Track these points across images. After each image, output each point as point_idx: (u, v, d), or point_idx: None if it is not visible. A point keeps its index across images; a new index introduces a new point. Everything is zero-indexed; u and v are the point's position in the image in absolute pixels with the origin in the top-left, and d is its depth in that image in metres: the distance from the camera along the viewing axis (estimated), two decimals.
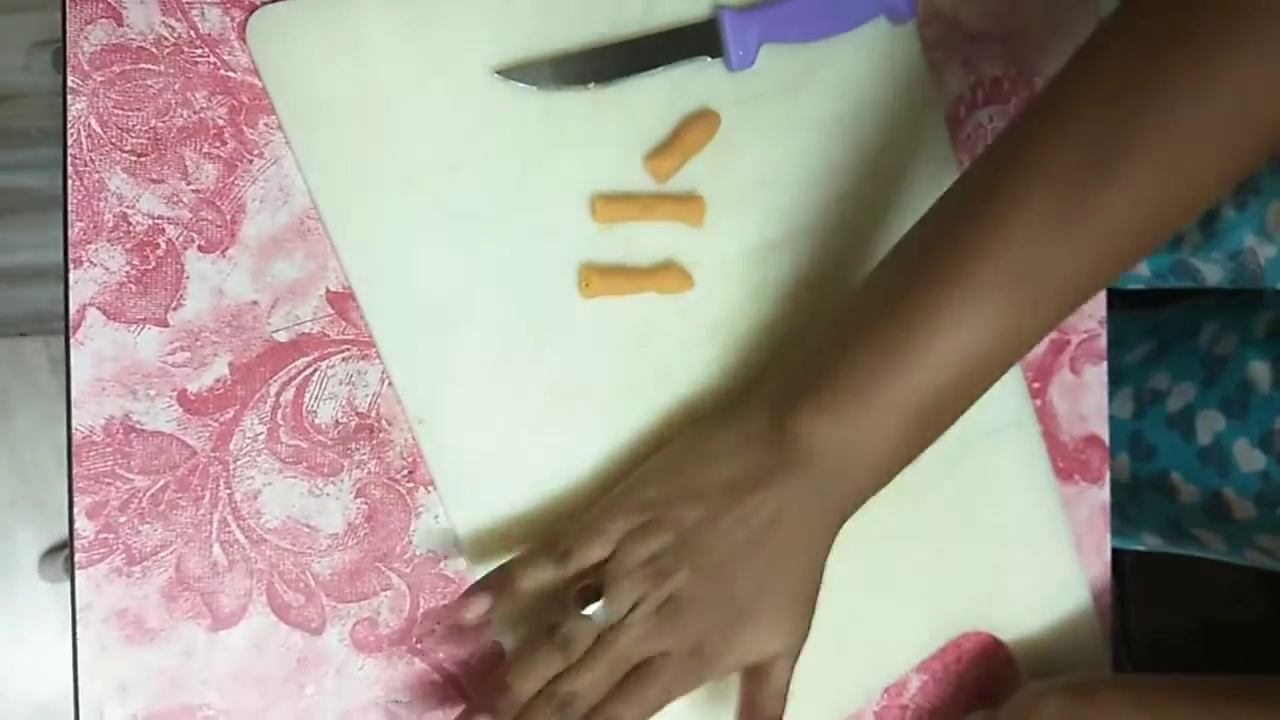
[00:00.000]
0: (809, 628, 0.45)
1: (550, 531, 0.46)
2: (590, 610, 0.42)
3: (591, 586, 0.42)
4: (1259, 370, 0.63)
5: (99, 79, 0.45)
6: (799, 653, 0.45)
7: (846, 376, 0.42)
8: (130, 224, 0.45)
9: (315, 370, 0.47)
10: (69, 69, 0.44)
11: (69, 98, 0.44)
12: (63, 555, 1.22)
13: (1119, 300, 0.64)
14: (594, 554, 0.43)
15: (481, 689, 0.46)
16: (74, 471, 0.45)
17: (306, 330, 0.47)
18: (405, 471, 0.48)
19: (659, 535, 0.43)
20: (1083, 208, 0.39)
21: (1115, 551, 0.59)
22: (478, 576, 0.48)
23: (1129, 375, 0.72)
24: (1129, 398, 0.71)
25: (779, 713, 0.45)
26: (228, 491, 0.46)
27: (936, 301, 0.41)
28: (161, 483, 0.46)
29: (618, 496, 0.45)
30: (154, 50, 0.45)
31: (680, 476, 0.44)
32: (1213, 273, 0.68)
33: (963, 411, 0.43)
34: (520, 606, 0.44)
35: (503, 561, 0.45)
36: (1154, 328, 0.74)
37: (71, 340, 0.45)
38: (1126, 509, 0.71)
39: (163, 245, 0.46)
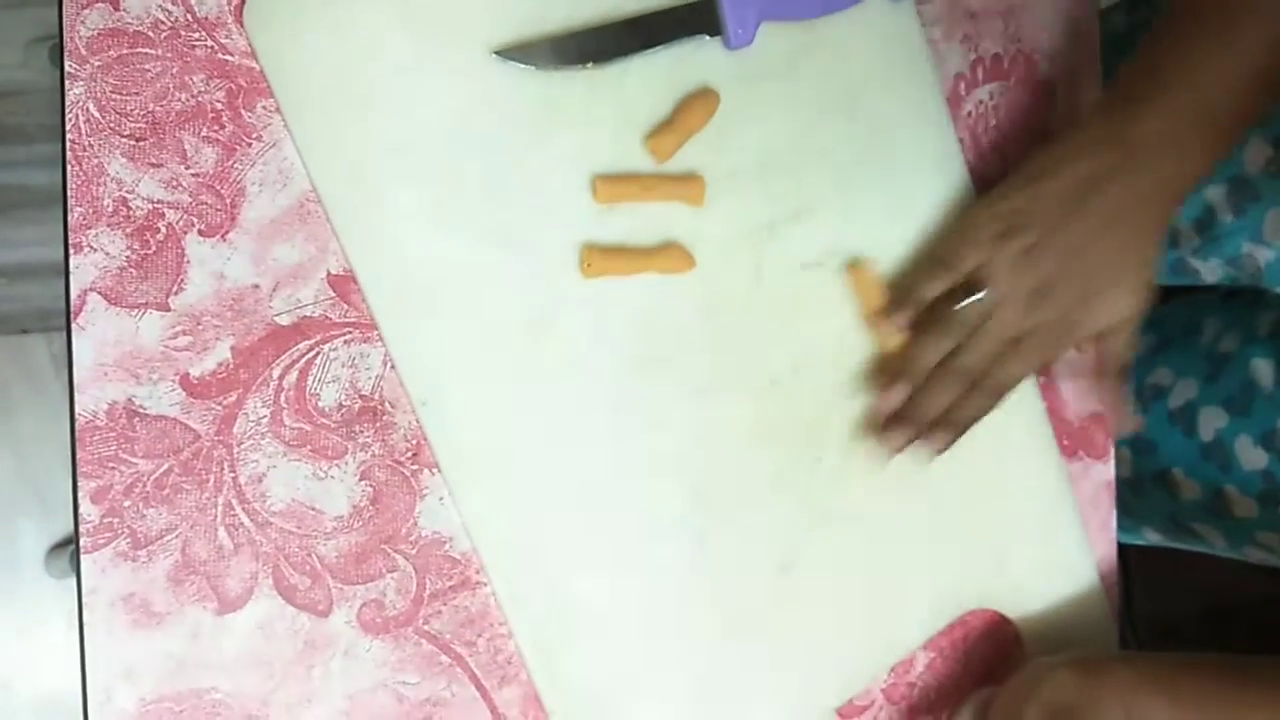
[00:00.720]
0: (1151, 293, 0.51)
1: (930, 251, 0.53)
2: (975, 298, 0.49)
3: (974, 280, 0.50)
4: (1262, 368, 0.63)
5: (96, 64, 0.45)
6: (1140, 314, 0.51)
7: (1170, 70, 0.49)
8: (130, 208, 0.45)
9: (318, 353, 0.47)
10: (66, 54, 0.44)
11: (66, 83, 0.44)
12: (69, 551, 1.22)
13: None
14: (974, 258, 0.50)
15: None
16: (78, 456, 0.45)
17: (308, 313, 0.47)
18: (409, 454, 0.48)
19: (1025, 233, 0.50)
20: None
21: (1118, 544, 0.59)
22: (482, 557, 0.48)
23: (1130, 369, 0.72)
24: (1130, 392, 0.71)
25: (1129, 359, 0.53)
26: (232, 475, 0.46)
27: None
28: (165, 467, 0.46)
29: (981, 211, 0.51)
30: (151, 34, 0.45)
31: (1035, 183, 0.50)
32: (1211, 271, 0.67)
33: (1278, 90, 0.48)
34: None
35: None
36: (1154, 322, 0.73)
37: (73, 325, 0.45)
38: (1128, 503, 0.70)
39: (163, 229, 0.45)
